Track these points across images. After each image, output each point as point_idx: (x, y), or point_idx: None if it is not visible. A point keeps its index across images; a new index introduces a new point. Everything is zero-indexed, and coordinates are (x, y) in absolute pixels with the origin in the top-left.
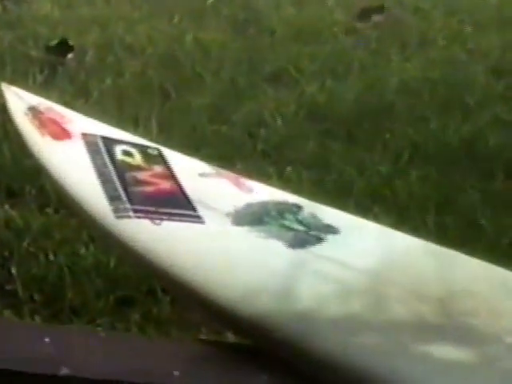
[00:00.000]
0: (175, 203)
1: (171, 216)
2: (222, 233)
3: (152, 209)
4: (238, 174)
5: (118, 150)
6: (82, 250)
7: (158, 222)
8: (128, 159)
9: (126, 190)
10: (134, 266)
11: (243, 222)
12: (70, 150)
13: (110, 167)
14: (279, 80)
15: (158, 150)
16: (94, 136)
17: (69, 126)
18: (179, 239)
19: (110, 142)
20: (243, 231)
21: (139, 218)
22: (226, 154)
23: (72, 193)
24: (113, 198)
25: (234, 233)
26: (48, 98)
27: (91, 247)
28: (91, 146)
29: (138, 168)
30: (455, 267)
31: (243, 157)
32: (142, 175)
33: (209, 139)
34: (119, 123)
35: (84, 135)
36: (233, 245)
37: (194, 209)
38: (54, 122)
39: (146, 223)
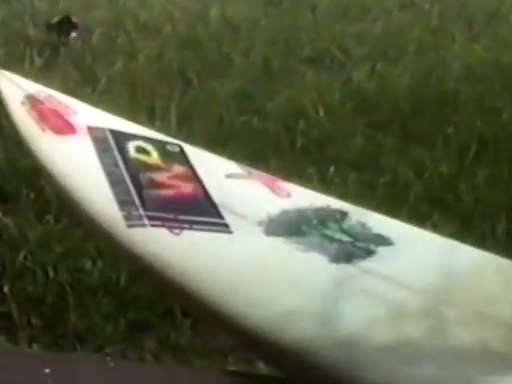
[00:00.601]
0: (198, 209)
1: (193, 224)
2: (253, 245)
3: (171, 216)
4: (273, 174)
5: (131, 146)
6: (88, 265)
7: (177, 231)
8: (143, 157)
9: (140, 193)
10: (148, 284)
11: (278, 231)
12: (75, 147)
13: (122, 166)
14: (321, 63)
15: (178, 146)
16: (103, 130)
17: (73, 119)
18: (203, 252)
19: (121, 137)
20: (278, 243)
21: (155, 226)
22: (259, 150)
23: (76, 197)
24: (124, 202)
25: (268, 245)
26: (49, 84)
27: (98, 262)
28: (99, 141)
29: (155, 168)
30: None
31: (279, 154)
32: (159, 176)
33: (238, 133)
34: (132, 115)
35: (91, 129)
36: (266, 259)
37: (220, 216)
38: (56, 114)
39: (163, 233)
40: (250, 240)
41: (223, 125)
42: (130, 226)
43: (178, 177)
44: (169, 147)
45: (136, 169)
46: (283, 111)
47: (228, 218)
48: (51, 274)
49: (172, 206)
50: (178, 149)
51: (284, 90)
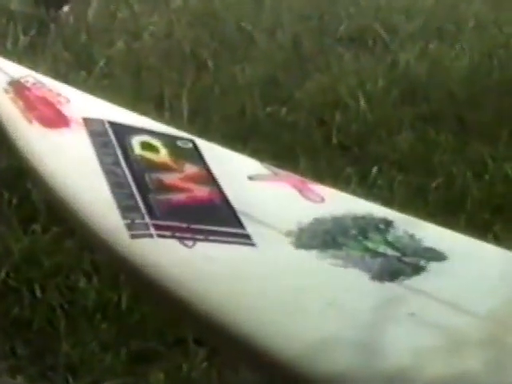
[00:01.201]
0: (215, 217)
1: (209, 235)
2: (280, 260)
3: (182, 225)
4: (303, 176)
5: (136, 141)
6: (82, 283)
7: (190, 243)
8: (149, 155)
9: (145, 198)
10: (155, 306)
11: (311, 244)
12: (68, 142)
13: (124, 166)
14: (361, 43)
15: (191, 142)
16: (102, 122)
17: (66, 109)
18: (220, 268)
19: (123, 131)
20: (311, 257)
21: (164, 237)
22: (287, 147)
23: (70, 202)
24: (127, 208)
25: (298, 260)
26: (36, 68)
27: (95, 279)
28: (97, 136)
29: (164, 167)
30: None
31: (311, 152)
32: (168, 177)
33: (262, 127)
34: (136, 104)
35: (87, 121)
36: (296, 277)
37: (240, 225)
38: (46, 103)
39: (173, 245)
40: (276, 254)
41: (245, 117)
42: (133, 236)
43: (190, 178)
44: (180, 143)
45: (141, 168)
46: (316, 101)
47: (250, 228)
48: (39, 293)
49: (184, 213)
50: (190, 145)
51: (317, 75)
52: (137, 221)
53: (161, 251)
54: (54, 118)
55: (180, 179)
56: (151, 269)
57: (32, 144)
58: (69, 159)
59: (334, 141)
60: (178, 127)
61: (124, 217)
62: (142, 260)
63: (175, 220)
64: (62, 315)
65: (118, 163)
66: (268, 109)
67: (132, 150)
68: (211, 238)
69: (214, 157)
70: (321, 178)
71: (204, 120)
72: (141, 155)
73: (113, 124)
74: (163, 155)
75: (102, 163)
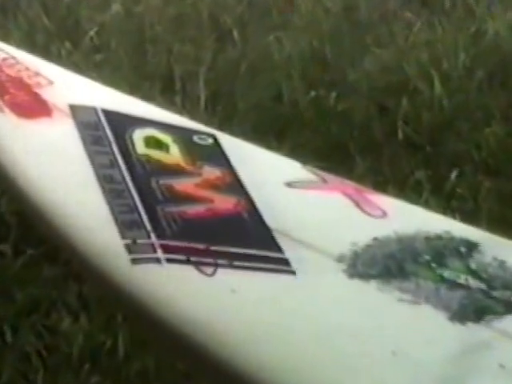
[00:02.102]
0: (242, 237)
1: (234, 260)
2: (329, 293)
3: (200, 246)
4: (360, 182)
5: (138, 136)
6: (66, 323)
7: (209, 270)
8: (156, 154)
9: (151, 210)
10: (162, 353)
11: (369, 272)
12: (50, 137)
13: (123, 168)
14: (436, 7)
15: (211, 136)
16: (93, 111)
17: (47, 93)
18: (249, 305)
19: (122, 122)
20: (370, 290)
21: (175, 262)
22: (337, 144)
23: (51, 216)
24: (127, 224)
25: (353, 293)
26: (7, 38)
27: (82, 318)
28: (88, 128)
29: (175, 170)
30: None
31: (369, 150)
32: (181, 183)
33: (304, 117)
34: (138, 87)
35: (75, 109)
36: (350, 317)
37: (276, 247)
38: (21, 85)
39: (187, 273)
40: (323, 286)
41: (281, 104)
42: (135, 261)
43: (210, 184)
44: (196, 138)
45: (145, 172)
46: (376, 83)
47: (289, 251)
48: (9, 336)
49: (202, 231)
50: (210, 141)
51: (377, 49)
52: (140, 241)
53: (171, 281)
54: (32, 105)
55: (197, 186)
56: (158, 304)
57: (2, 138)
58: (50, 159)
59: (400, 136)
60: (194, 117)
61: (123, 235)
62: (145, 292)
63: (190, 240)
64: (40, 365)
65: (115, 165)
66: (312, 93)
67: (133, 148)
68: (237, 263)
69: (242, 156)
70: (383, 184)
71: (227, 108)
72: (145, 154)
73: (108, 113)
74: (174, 154)
75: (95, 165)
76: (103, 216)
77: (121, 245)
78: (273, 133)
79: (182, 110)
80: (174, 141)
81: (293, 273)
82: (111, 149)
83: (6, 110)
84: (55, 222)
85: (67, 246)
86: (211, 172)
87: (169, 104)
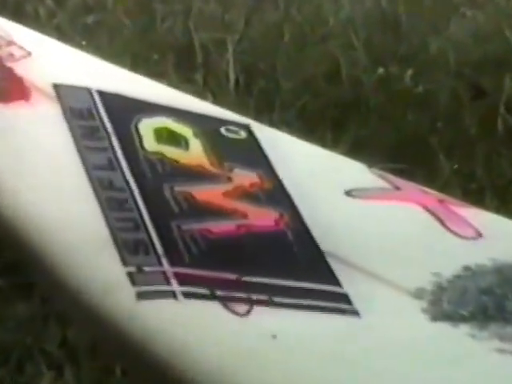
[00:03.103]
0: (286, 263)
1: (275, 295)
2: (404, 341)
3: (229, 276)
4: (445, 191)
5: (147, 127)
6: (45, 380)
7: (241, 309)
8: (171, 150)
9: (163, 226)
10: None
11: (458, 312)
12: (27, 129)
13: (126, 171)
14: None
15: (245, 128)
16: (86, 93)
17: (24, 68)
18: (295, 354)
19: (124, 109)
20: (458, 337)
21: (195, 297)
22: (415, 138)
23: (27, 234)
24: (132, 246)
25: (437, 341)
26: None
27: (67, 371)
28: (79, 117)
29: (197, 172)
30: None
31: (458, 147)
32: (204, 191)
33: (369, 101)
34: (144, 59)
35: (60, 90)
36: (433, 370)
37: (333, 278)
38: None
39: (212, 312)
40: (397, 330)
41: (338, 84)
42: (141, 295)
43: (243, 193)
44: (224, 131)
45: (156, 175)
46: (467, 56)
47: (349, 283)
48: None
49: (230, 256)
50: (243, 134)
51: (468, 10)
52: (148, 268)
53: (190, 323)
54: (2, 85)
55: (225, 194)
56: (171, 354)
57: None
58: (26, 158)
59: (500, 128)
60: (221, 101)
61: (125, 261)
62: (155, 338)
63: (216, 267)
64: None
65: (115, 166)
66: (380, 70)
67: (140, 143)
68: (279, 299)
69: (285, 155)
70: (476, 193)
71: (266, 89)
72: (156, 152)
73: (106, 96)
74: (196, 152)
75: (88, 166)
76: (98, 235)
77: (122, 274)
78: (327, 123)
79: (204, 92)
80: (195, 134)
81: (355, 313)
82: (110, 144)
83: None
84: (32, 243)
85: (47, 276)
86: (245, 176)
87: (187, 84)
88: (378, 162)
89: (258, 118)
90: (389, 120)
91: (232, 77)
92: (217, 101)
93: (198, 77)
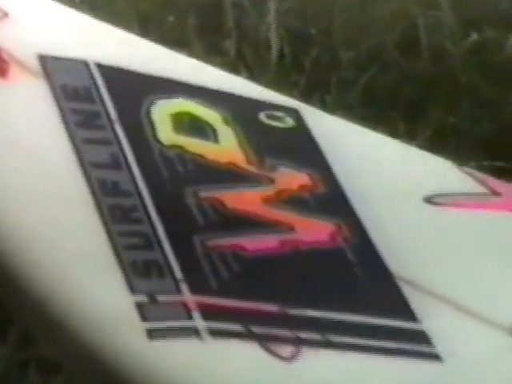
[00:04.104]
0: (344, 291)
1: (330, 333)
2: None
3: (269, 308)
4: None
5: (162, 111)
6: None
7: (286, 351)
8: (194, 142)
9: (182, 242)
10: None
11: None
12: (6, 116)
13: (135, 169)
14: None
15: (292, 113)
16: (81, 66)
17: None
18: None
19: (132, 87)
20: None
21: (225, 336)
22: None
23: (6, 252)
24: (140, 268)
25: None
26: None
27: None
28: (73, 97)
29: (229, 171)
30: None
31: None
32: (238, 195)
33: (456, 77)
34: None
35: (48, 63)
36: None
37: (406, 310)
38: None
39: (247, 355)
40: (490, 379)
41: (416, 55)
42: (153, 334)
43: (288, 198)
44: (265, 117)
45: (174, 175)
46: None
47: (428, 318)
48: None
49: (272, 281)
50: (289, 121)
51: None
52: (162, 297)
53: (218, 370)
54: None
55: (265, 200)
56: None
57: None
58: (6, 154)
59: None
60: (260, 78)
61: (133, 288)
62: None
63: (252, 296)
64: None
65: (120, 164)
66: (472, 35)
67: (153, 133)
68: (335, 339)
69: (345, 149)
70: None
71: (319, 61)
72: (174, 145)
73: (109, 71)
74: (227, 144)
75: (85, 164)
76: (98, 254)
77: (129, 305)
78: (401, 106)
79: (237, 66)
80: (226, 121)
81: (435, 357)
82: (114, 135)
83: None
84: (10, 265)
85: (29, 308)
86: (291, 176)
87: (214, 55)
88: (470, 158)
89: (309, 99)
90: (484, 103)
91: (275, 46)
92: (254, 77)
93: (229, 45)
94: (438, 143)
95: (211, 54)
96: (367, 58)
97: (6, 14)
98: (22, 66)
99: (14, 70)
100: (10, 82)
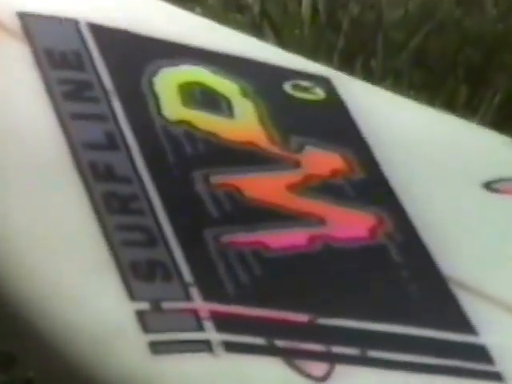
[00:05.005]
0: (386, 297)
1: (371, 348)
2: None
3: (296, 317)
4: None
5: (167, 80)
6: None
7: (318, 369)
8: (206, 119)
9: (191, 238)
10: None
11: None
12: None
13: (135, 150)
14: None
15: (322, 83)
16: (70, 27)
17: None
18: None
19: (131, 52)
20: None
21: (243, 351)
22: None
23: None
24: (142, 268)
25: None
26: None
27: None
28: (61, 65)
29: (247, 152)
30: None
31: None
32: (258, 181)
33: None
34: None
35: (30, 23)
36: None
37: (464, 322)
38: None
39: (271, 373)
40: None
41: (475, 9)
42: (157, 347)
43: (319, 184)
44: (291, 87)
45: (181, 157)
46: None
47: (489, 329)
48: None
49: (299, 285)
50: (320, 92)
51: None
52: (167, 304)
53: None
54: None
55: (290, 187)
56: None
57: None
58: None
59: None
60: (287, 41)
61: (134, 293)
62: None
63: (276, 303)
64: None
65: (117, 143)
66: None
67: (157, 107)
68: (376, 355)
69: (387, 125)
70: None
71: (359, 21)
72: (182, 120)
73: (103, 32)
74: (245, 120)
75: (75, 143)
76: (90, 252)
77: (128, 313)
78: (459, 75)
79: (260, 26)
80: (244, 92)
81: (497, 377)
82: (110, 109)
83: None
84: None
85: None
86: (321, 158)
87: (232, 12)
88: None
89: (346, 67)
90: None
91: (306, 2)
92: (280, 40)
93: (251, 1)
94: (505, 116)
95: (230, 10)
96: (418, 16)
97: None
98: (3, 24)
99: None
100: None
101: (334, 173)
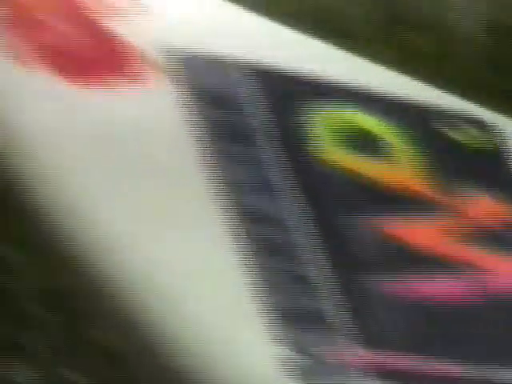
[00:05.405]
0: None
1: None
2: None
3: (455, 369)
4: None
5: (321, 120)
6: None
7: None
8: (361, 160)
9: (349, 284)
10: None
11: None
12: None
13: (289, 192)
14: None
15: (482, 124)
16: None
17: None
18: None
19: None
20: None
21: None
22: None
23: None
24: (293, 313)
25: None
26: None
27: None
28: (216, 106)
29: (404, 195)
30: None
31: None
32: (412, 226)
33: None
34: None
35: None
36: None
37: None
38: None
39: None
40: None
41: None
42: None
43: (475, 229)
44: (446, 129)
45: (337, 200)
46: None
47: None
48: None
49: (457, 336)
50: (478, 135)
51: None
52: (322, 352)
53: None
54: (99, 58)
55: (445, 231)
56: None
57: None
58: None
59: None
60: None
61: (295, 344)
62: None
63: (438, 355)
64: None
65: (271, 184)
66: None
67: (315, 151)
68: None
69: None
70: None
71: None
72: (336, 163)
73: (258, 72)
74: (399, 162)
75: (227, 182)
76: (239, 296)
77: (279, 360)
78: None
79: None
80: (399, 134)
81: None
82: (267, 152)
83: (51, 70)
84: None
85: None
86: (480, 203)
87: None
88: None
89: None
90: None
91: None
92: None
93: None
94: None
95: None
96: None
97: (145, 9)
98: (160, 68)
99: (151, 74)
100: (148, 88)
101: (493, 219)
